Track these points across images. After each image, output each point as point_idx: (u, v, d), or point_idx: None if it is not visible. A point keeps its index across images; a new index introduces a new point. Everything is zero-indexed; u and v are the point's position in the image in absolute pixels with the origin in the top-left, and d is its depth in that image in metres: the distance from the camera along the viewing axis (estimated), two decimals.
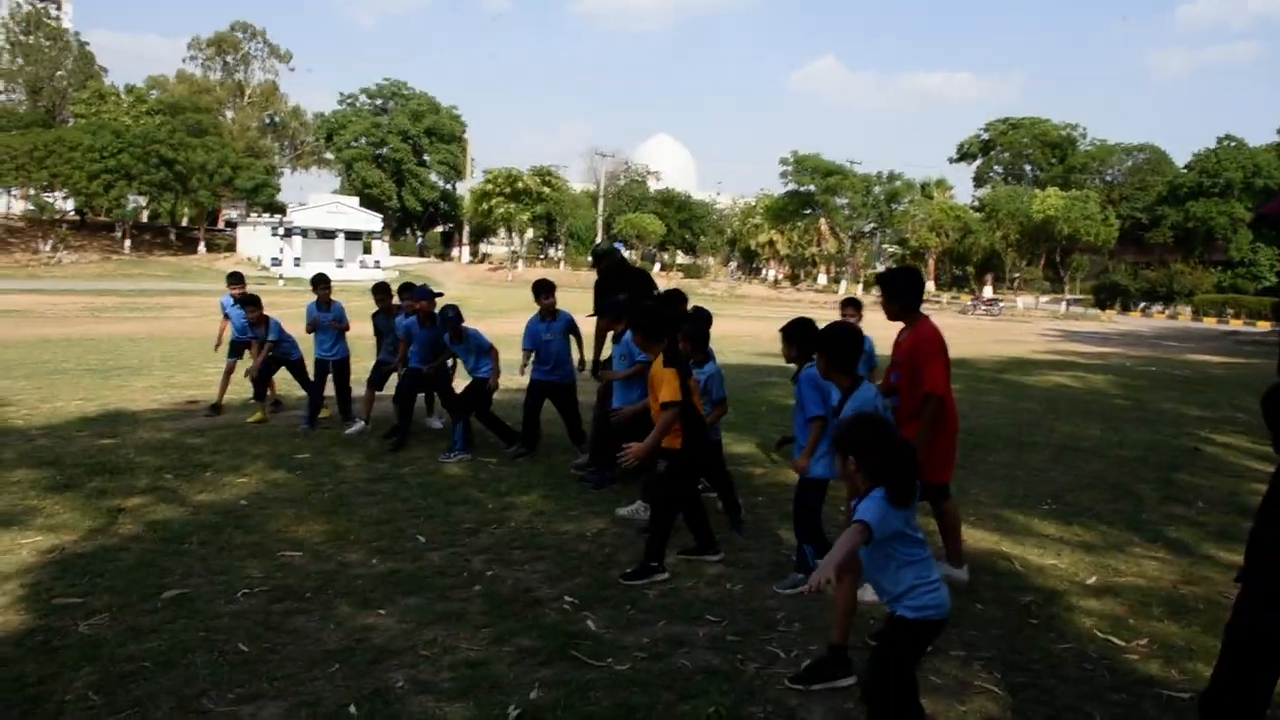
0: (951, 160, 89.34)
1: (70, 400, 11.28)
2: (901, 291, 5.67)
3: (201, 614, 4.91)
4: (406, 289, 9.75)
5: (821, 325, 5.38)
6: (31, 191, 66.83)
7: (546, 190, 74.79)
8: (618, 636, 4.81)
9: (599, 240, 76.06)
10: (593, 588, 5.52)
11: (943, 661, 4.62)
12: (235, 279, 11.01)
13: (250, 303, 10.37)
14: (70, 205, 70.43)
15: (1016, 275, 71.59)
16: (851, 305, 8.33)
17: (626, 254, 78.58)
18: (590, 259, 9.09)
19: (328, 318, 10.18)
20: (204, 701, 4.00)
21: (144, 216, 77.81)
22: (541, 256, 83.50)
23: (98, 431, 9.48)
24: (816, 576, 3.14)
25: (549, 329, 8.88)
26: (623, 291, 8.23)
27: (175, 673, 4.24)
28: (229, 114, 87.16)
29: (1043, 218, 64.52)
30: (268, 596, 5.20)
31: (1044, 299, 64.43)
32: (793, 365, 5.75)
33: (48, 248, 61.07)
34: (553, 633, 4.82)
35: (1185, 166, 73.57)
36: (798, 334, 5.68)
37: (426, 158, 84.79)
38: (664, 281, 62.59)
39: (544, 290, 8.96)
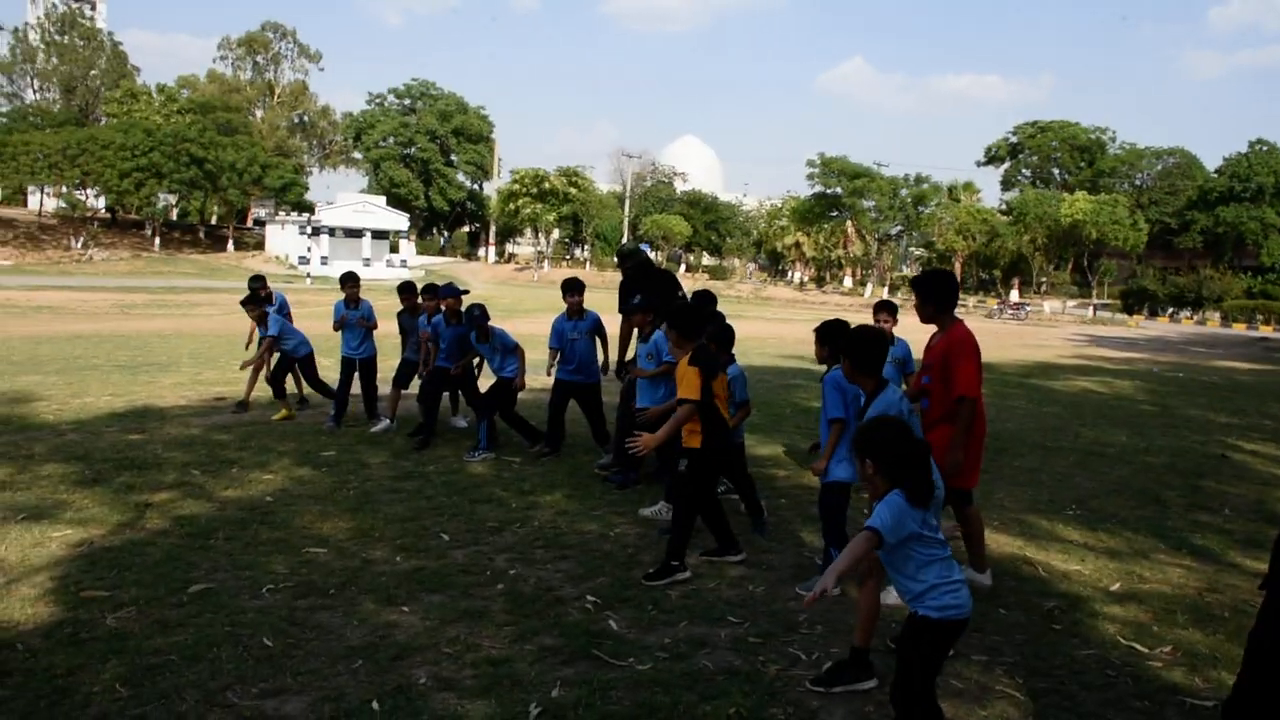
0: (979, 163, 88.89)
1: (100, 396, 11.41)
2: (935, 294, 5.64)
3: (227, 609, 4.96)
4: (429, 291, 9.79)
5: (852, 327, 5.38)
6: (64, 189, 67.64)
7: (573, 191, 74.99)
8: (639, 636, 4.82)
9: (625, 241, 76.18)
10: (615, 587, 5.53)
11: (964, 666, 4.61)
12: (257, 280, 11.10)
13: (249, 303, 10.44)
14: (102, 203, 71.24)
15: (1044, 280, 71.07)
16: (886, 309, 8.18)
17: (652, 255, 78.83)
18: (616, 259, 9.06)
19: (355, 316, 10.25)
20: (229, 695, 4.04)
21: (174, 214, 78.59)
22: (567, 257, 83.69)
23: (126, 427, 9.59)
24: (818, 587, 3.15)
25: (575, 328, 8.90)
26: (649, 292, 8.24)
27: (201, 666, 4.29)
28: (258, 113, 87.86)
29: (1070, 222, 63.94)
30: (292, 592, 5.25)
31: (1071, 303, 63.93)
32: (823, 367, 5.75)
33: (79, 245, 61.78)
34: (575, 632, 4.83)
35: (1216, 171, 72.78)
36: (830, 335, 5.68)
37: (454, 157, 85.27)
38: (689, 283, 62.63)
39: (572, 289, 8.97)
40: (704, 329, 6.14)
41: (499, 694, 4.14)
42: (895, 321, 8.00)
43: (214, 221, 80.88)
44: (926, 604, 3.45)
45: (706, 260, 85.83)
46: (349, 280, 10.42)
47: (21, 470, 7.59)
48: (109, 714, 3.84)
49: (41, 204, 72.58)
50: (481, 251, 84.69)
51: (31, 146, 60.93)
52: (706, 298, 7.94)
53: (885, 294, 59.49)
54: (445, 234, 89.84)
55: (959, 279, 65.71)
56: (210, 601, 5.05)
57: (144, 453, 8.44)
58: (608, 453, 8.72)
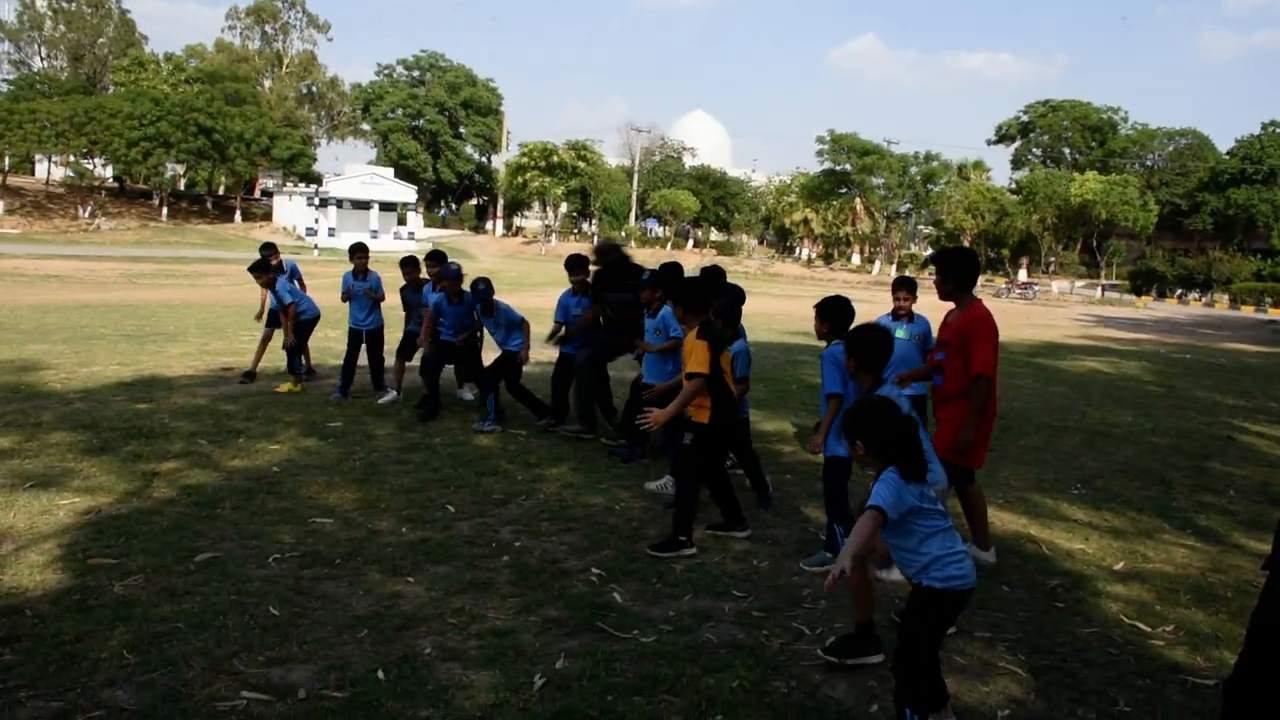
0: (990, 142, 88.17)
1: (107, 365, 11.44)
2: (957, 271, 5.65)
3: (233, 577, 4.99)
4: (434, 258, 9.76)
5: (858, 304, 5.36)
6: (71, 158, 67.49)
7: (581, 165, 74.71)
8: (644, 609, 4.84)
9: (632, 215, 76.01)
10: (620, 560, 5.55)
11: (967, 643, 4.63)
12: (268, 248, 11.07)
13: (258, 270, 10.43)
14: (109, 172, 71.11)
15: (1052, 259, 70.75)
16: (905, 286, 8.08)
17: (659, 230, 78.71)
18: (594, 255, 9.04)
19: (362, 287, 10.23)
20: (235, 663, 4.07)
21: (181, 185, 78.45)
22: (575, 231, 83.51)
23: (134, 396, 9.62)
24: (835, 569, 3.14)
25: (579, 304, 8.92)
26: (630, 287, 8.28)
27: (208, 634, 4.32)
28: (266, 83, 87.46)
29: (1080, 202, 63.58)
30: (298, 562, 5.27)
31: (1079, 284, 63.64)
32: (823, 343, 5.74)
33: (87, 214, 61.73)
34: (579, 604, 4.86)
35: (1228, 152, 72.19)
36: (831, 311, 5.66)
37: (462, 130, 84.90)
38: (697, 259, 62.44)
39: (576, 266, 8.98)
40: (710, 303, 6.14)
41: (504, 664, 4.16)
42: (914, 299, 7.96)
43: (221, 192, 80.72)
44: (931, 575, 3.48)
45: (715, 236, 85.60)
46: (358, 251, 10.40)
47: (29, 438, 7.62)
48: (117, 680, 3.87)
49: (49, 173, 72.44)
50: (489, 225, 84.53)
51: (39, 115, 60.72)
52: (716, 273, 7.92)
53: (894, 272, 59.37)
54: (453, 206, 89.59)
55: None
56: (217, 570, 5.08)
57: (151, 422, 8.46)
58: (582, 421, 8.86)
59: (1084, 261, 71.26)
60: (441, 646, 4.31)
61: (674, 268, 7.95)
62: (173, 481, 6.68)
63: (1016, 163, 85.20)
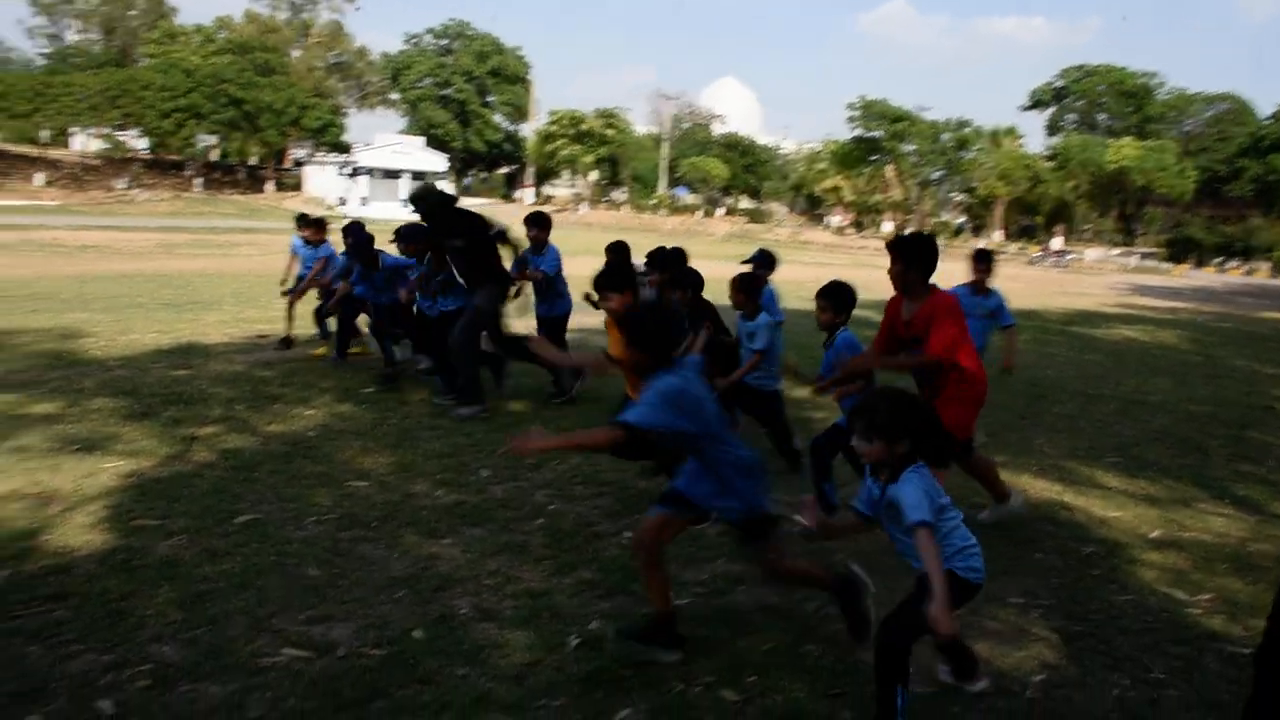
0: (1025, 108, 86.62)
1: (145, 333, 11.58)
2: (920, 259, 5.30)
3: (272, 539, 5.07)
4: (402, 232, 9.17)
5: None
6: (105, 131, 68.03)
7: (610, 132, 74.45)
8: (677, 572, 4.87)
9: (663, 185, 75.60)
10: None
11: (1000, 609, 4.63)
12: (306, 221, 11.07)
13: (312, 225, 10.74)
14: (143, 144, 71.65)
15: (1088, 227, 69.79)
16: (983, 259, 7.87)
17: (689, 198, 78.31)
18: (410, 202, 8.66)
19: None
20: (275, 621, 4.15)
21: (214, 155, 78.93)
22: (605, 199, 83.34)
23: (172, 363, 9.74)
24: (941, 629, 3.13)
25: (536, 264, 8.91)
26: (459, 232, 8.11)
27: (249, 594, 4.40)
28: (295, 54, 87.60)
29: (1116, 168, 62.57)
30: (336, 524, 5.35)
31: (1114, 251, 62.76)
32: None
33: (125, 185, 62.29)
34: (612, 567, 4.91)
35: (1269, 117, 70.54)
36: (834, 295, 5.71)
37: (491, 99, 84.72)
38: (726, 227, 62.08)
39: (534, 223, 9.02)
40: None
41: (538, 625, 4.22)
42: (991, 272, 7.85)
43: (252, 163, 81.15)
44: (955, 563, 3.43)
45: (745, 204, 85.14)
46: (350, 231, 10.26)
47: (73, 404, 7.75)
48: (163, 636, 3.96)
49: (85, 145, 73.11)
50: (518, 193, 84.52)
51: (74, 88, 61.30)
52: (677, 255, 7.86)
53: None
54: (483, 175, 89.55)
55: (1003, 226, 64.36)
56: (256, 532, 5.16)
57: (190, 388, 8.58)
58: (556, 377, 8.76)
59: (1120, 229, 70.26)
60: (477, 607, 4.37)
61: (620, 247, 8.22)
62: (212, 446, 6.77)
63: (1052, 129, 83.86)
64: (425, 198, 8.39)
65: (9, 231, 30.53)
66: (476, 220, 8.36)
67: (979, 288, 7.86)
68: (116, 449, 6.58)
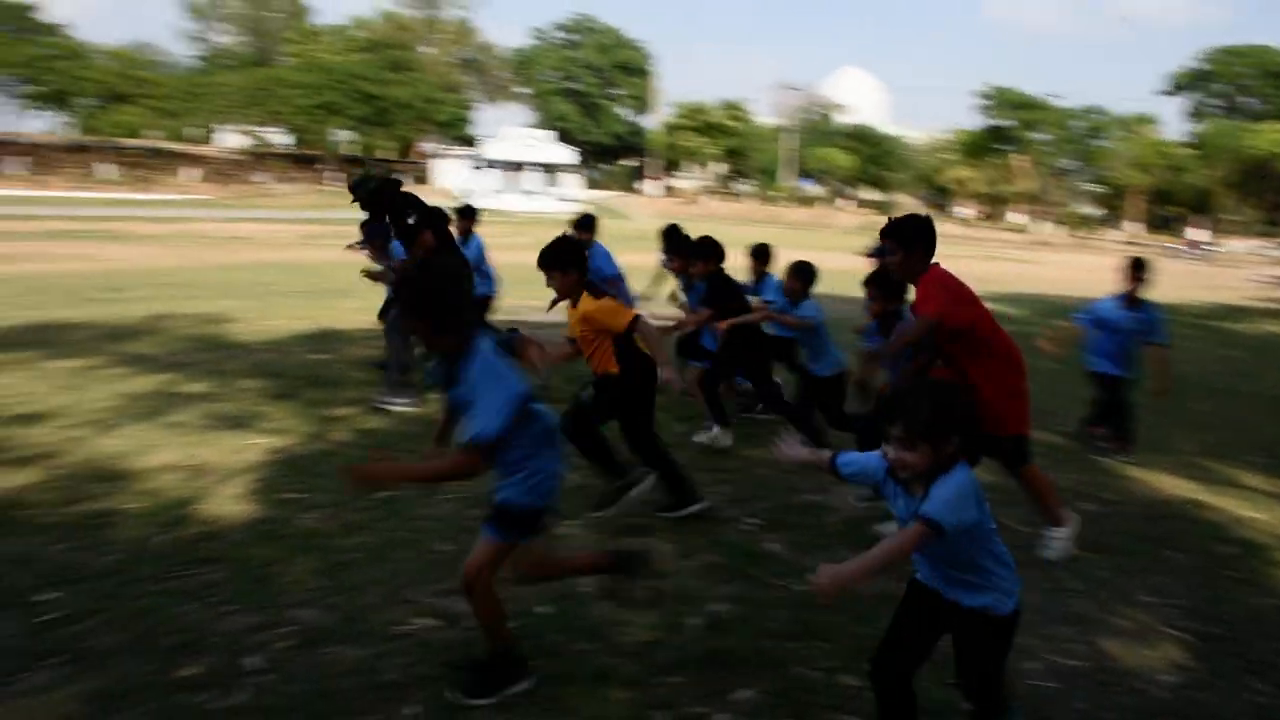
0: (1164, 93, 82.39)
1: (287, 319, 12.12)
2: (922, 238, 4.95)
3: (405, 515, 5.28)
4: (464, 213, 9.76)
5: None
6: (248, 127, 71.26)
7: (734, 124, 74.20)
8: (796, 559, 4.88)
9: (779, 175, 74.90)
10: (774, 511, 5.61)
11: (1129, 607, 4.49)
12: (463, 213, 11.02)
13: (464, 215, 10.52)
14: (283, 140, 74.77)
15: (1234, 218, 66.19)
16: (1138, 269, 7.23)
17: (817, 190, 77.47)
18: (350, 190, 8.46)
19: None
20: (408, 592, 4.33)
21: (351, 151, 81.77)
22: (728, 190, 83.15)
23: (312, 347, 10.18)
24: (825, 595, 2.72)
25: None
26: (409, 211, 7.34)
27: (384, 565, 4.60)
28: (426, 50, 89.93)
29: (1263, 155, 59.10)
30: (463, 502, 5.51)
31: (1260, 243, 59.34)
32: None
33: (270, 179, 65.12)
34: (735, 551, 4.95)
35: None
36: (881, 282, 5.67)
37: (615, 91, 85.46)
38: (855, 219, 61.06)
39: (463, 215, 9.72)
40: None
41: (660, 605, 4.29)
42: (1146, 282, 7.23)
43: (386, 157, 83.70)
44: (994, 595, 2.98)
45: (871, 195, 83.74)
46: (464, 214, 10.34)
47: (223, 385, 8.18)
48: (304, 601, 4.18)
49: (230, 142, 76.73)
50: (642, 185, 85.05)
51: (221, 87, 64.47)
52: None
53: (1050, 231, 56.65)
54: (609, 168, 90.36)
55: (1143, 217, 61.49)
56: (391, 508, 5.37)
57: (329, 371, 8.96)
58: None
59: (1267, 220, 66.40)
60: (602, 586, 4.45)
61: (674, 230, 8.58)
62: (350, 426, 7.08)
63: (1195, 114, 79.53)
64: (360, 186, 8.13)
65: (162, 224, 32.31)
66: (415, 204, 7.62)
67: (1131, 299, 7.21)
68: (262, 426, 6.93)
